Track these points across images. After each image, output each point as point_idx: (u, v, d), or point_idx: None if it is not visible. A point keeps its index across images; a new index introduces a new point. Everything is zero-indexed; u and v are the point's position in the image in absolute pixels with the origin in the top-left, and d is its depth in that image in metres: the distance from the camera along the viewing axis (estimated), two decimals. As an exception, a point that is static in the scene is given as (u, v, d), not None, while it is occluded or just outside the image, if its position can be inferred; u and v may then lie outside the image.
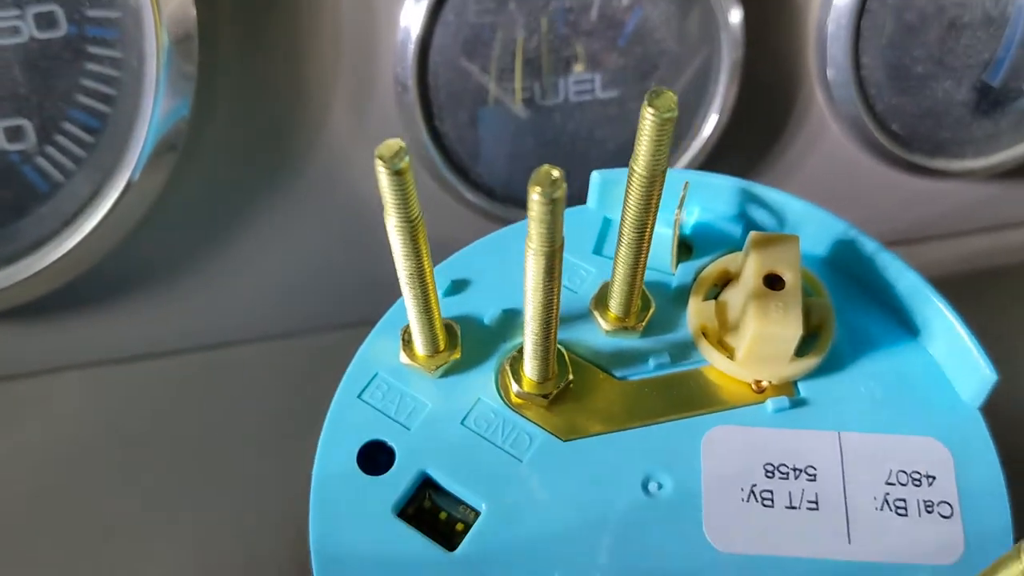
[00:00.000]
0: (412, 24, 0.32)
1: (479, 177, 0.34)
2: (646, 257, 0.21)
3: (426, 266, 0.20)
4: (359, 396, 0.23)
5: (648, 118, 0.17)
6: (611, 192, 0.25)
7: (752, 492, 0.21)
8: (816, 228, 0.24)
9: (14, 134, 0.31)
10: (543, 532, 0.21)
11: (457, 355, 0.23)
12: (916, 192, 0.38)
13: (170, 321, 0.35)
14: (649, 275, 0.24)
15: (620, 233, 0.21)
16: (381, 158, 0.17)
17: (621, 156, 0.34)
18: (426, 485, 0.22)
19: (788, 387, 0.23)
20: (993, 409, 0.23)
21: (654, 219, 0.20)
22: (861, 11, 0.33)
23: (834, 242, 0.24)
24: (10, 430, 0.34)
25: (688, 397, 0.23)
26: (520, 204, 0.35)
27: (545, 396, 0.22)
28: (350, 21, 0.33)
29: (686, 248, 0.25)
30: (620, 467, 0.22)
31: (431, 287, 0.21)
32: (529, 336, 0.21)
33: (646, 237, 0.21)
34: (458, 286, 0.25)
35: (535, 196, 0.16)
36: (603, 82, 0.33)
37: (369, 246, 0.35)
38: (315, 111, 0.34)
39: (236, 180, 0.34)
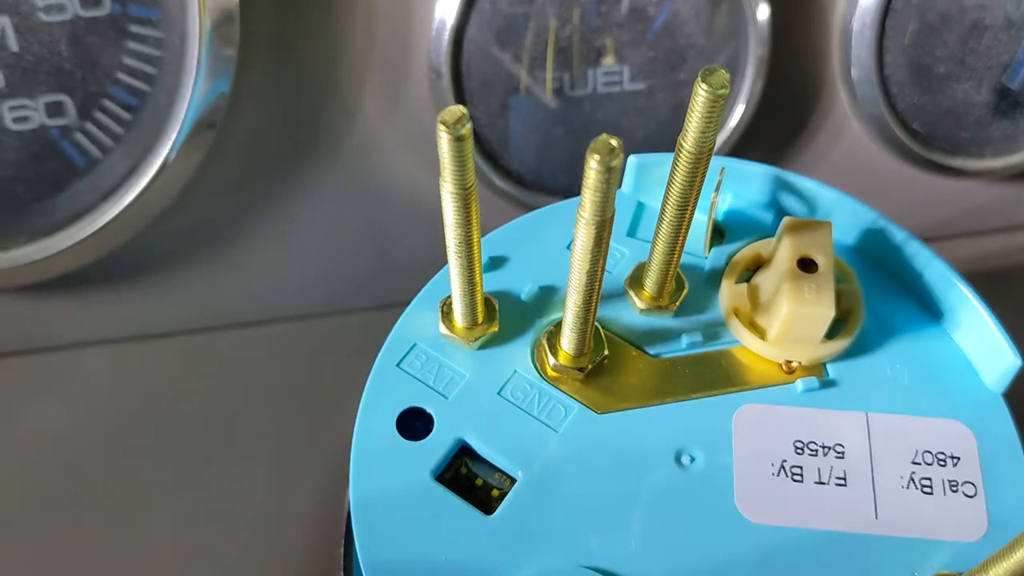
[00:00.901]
0: (447, 12, 0.32)
1: (508, 164, 0.35)
2: (685, 236, 0.22)
3: (475, 236, 0.21)
4: (398, 365, 0.24)
5: (701, 94, 0.18)
6: (647, 176, 0.26)
7: (783, 467, 0.22)
8: (847, 217, 0.25)
9: (55, 109, 0.31)
10: (578, 500, 0.22)
11: (495, 328, 0.24)
12: (935, 190, 0.38)
13: (201, 300, 0.36)
14: (683, 258, 0.25)
15: (662, 211, 0.21)
16: (444, 123, 0.17)
17: (647, 147, 0.35)
18: (462, 453, 0.23)
19: (818, 368, 0.23)
20: (1016, 396, 0.23)
21: (697, 197, 0.21)
22: (886, 11, 0.34)
23: (864, 231, 0.25)
24: (40, 402, 0.34)
25: (719, 375, 0.23)
26: (548, 192, 0.35)
27: (581, 369, 0.23)
28: (385, 8, 0.33)
29: (719, 234, 0.26)
30: (653, 440, 0.22)
31: (477, 258, 0.21)
32: (570, 308, 0.21)
33: (687, 215, 0.21)
34: (495, 263, 0.25)
35: (593, 164, 0.17)
36: (631, 74, 0.34)
37: (398, 231, 0.36)
38: (349, 95, 0.34)
39: (269, 163, 0.35)
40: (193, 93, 0.31)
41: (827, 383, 0.23)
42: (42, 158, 0.32)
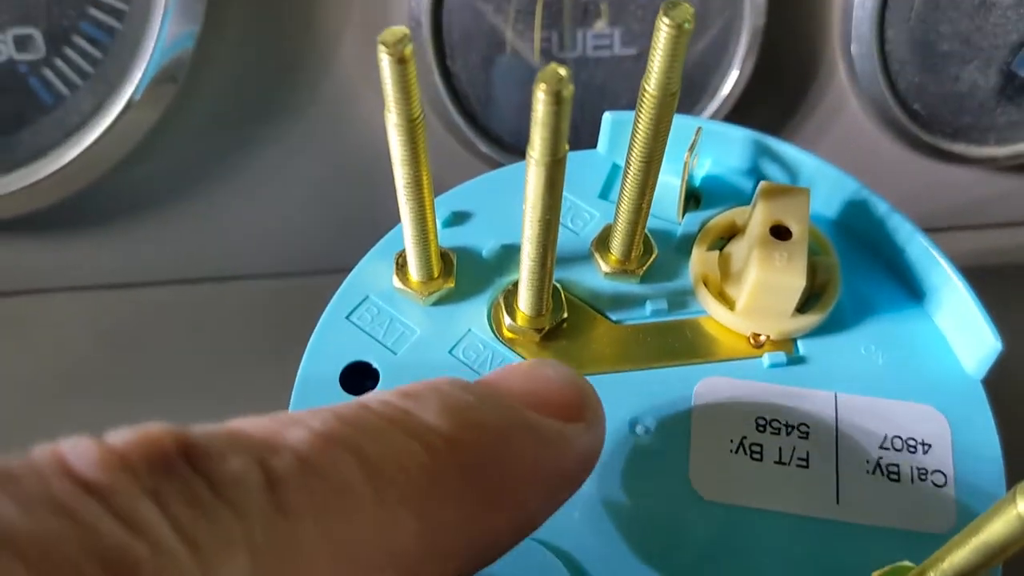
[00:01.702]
0: None
1: (489, 124, 0.34)
2: (651, 194, 0.21)
3: (424, 176, 0.20)
4: (347, 317, 0.23)
5: (663, 30, 0.17)
6: (622, 135, 0.25)
7: (742, 444, 0.21)
8: (829, 187, 0.24)
9: (23, 43, 0.30)
10: (523, 466, 0.20)
11: (451, 284, 0.23)
12: (936, 177, 0.37)
13: (164, 250, 0.35)
14: (654, 223, 0.23)
15: (626, 166, 0.20)
16: (384, 44, 0.16)
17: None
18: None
19: (787, 344, 0.22)
20: (996, 383, 0.22)
21: (662, 149, 0.20)
22: None
23: (846, 202, 0.24)
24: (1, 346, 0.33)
25: (683, 346, 0.22)
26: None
27: (538, 330, 0.22)
28: None
29: (694, 200, 0.24)
30: (607, 407, 0.21)
31: (428, 201, 0.20)
32: (525, 261, 0.20)
33: (653, 169, 0.20)
34: (459, 218, 0.24)
35: (541, 94, 0.16)
36: (623, 38, 0.33)
37: (376, 189, 0.35)
38: (326, 45, 0.33)
39: (240, 112, 0.34)
40: (161, 33, 0.30)
41: (796, 359, 0.22)
42: (8, 93, 0.31)
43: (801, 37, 0.35)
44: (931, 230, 0.38)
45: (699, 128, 0.23)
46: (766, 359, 0.22)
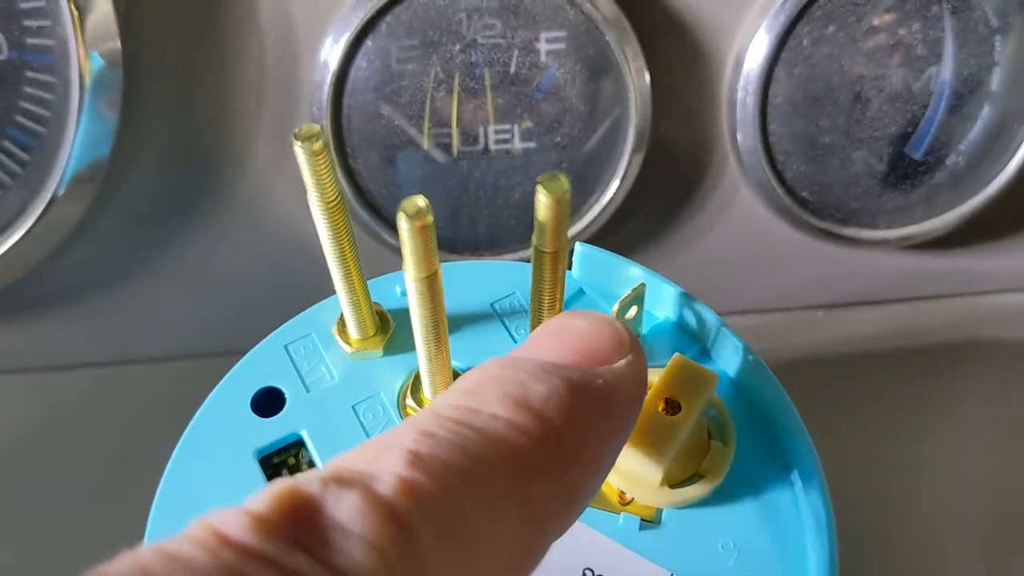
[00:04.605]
0: (330, 63, 0.34)
1: (391, 216, 0.36)
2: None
3: (348, 249, 0.22)
4: (286, 345, 0.25)
5: (543, 201, 0.18)
6: (591, 266, 0.26)
7: (561, 586, 0.22)
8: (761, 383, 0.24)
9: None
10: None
11: (379, 350, 0.25)
12: (832, 259, 0.39)
13: (89, 335, 0.38)
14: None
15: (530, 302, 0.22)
16: (297, 138, 0.18)
17: (523, 206, 0.36)
18: (302, 444, 0.24)
19: (651, 510, 0.23)
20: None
21: (560, 292, 0.21)
22: (768, 79, 0.34)
23: (772, 406, 0.24)
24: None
25: (557, 477, 0.23)
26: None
27: (430, 417, 0.23)
28: (273, 61, 0.35)
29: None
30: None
31: (355, 270, 0.22)
32: (420, 356, 0.22)
33: (552, 308, 0.21)
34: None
35: (404, 225, 0.17)
36: (521, 134, 0.35)
37: (290, 277, 0.37)
38: (240, 143, 0.36)
39: (159, 209, 0.37)
40: (76, 138, 0.33)
41: (648, 527, 0.22)
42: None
43: (691, 129, 0.37)
44: (832, 306, 0.39)
45: (642, 284, 0.24)
46: (621, 519, 0.23)
